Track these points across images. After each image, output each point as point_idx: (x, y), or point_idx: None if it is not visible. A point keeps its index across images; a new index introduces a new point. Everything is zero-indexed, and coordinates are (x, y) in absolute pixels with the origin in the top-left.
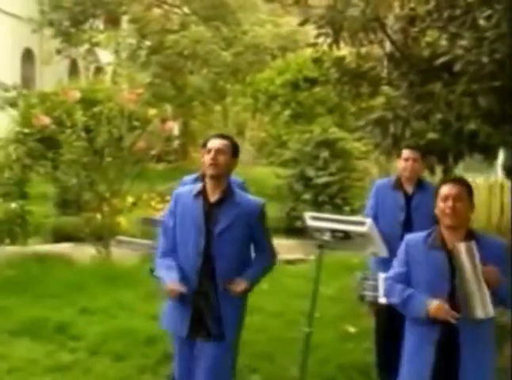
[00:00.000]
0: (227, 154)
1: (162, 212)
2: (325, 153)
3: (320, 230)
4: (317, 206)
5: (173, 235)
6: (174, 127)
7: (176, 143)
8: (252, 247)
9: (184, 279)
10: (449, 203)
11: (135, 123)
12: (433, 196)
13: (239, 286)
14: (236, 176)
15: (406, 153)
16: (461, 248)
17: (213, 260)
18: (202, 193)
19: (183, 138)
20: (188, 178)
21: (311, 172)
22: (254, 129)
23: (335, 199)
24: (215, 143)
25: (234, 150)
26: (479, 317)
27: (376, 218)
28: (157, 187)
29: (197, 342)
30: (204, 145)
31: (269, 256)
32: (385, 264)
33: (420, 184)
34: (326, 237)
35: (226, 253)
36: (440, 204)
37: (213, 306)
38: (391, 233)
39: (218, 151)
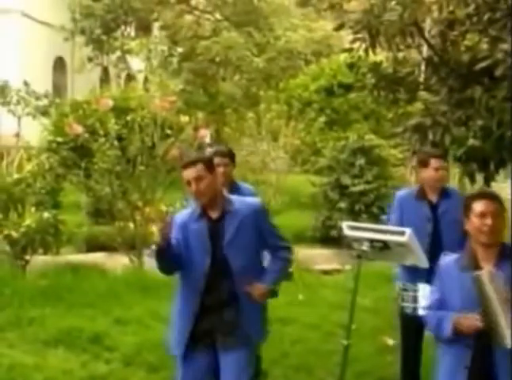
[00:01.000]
0: (207, 176)
1: None
2: (361, 161)
3: (358, 240)
4: (353, 215)
5: (179, 254)
6: (207, 135)
7: (209, 152)
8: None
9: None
10: (488, 220)
11: (168, 131)
12: (463, 208)
13: (259, 289)
14: (244, 183)
15: (436, 162)
16: (484, 278)
17: (225, 272)
18: (203, 213)
19: (216, 146)
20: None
21: (346, 180)
22: (288, 136)
23: (372, 207)
24: (189, 174)
25: (210, 165)
26: (508, 346)
27: None
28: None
29: (219, 354)
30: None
31: (284, 251)
32: (414, 274)
33: (444, 192)
34: (365, 247)
35: (238, 260)
36: (475, 221)
37: (232, 315)
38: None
39: (196, 180)
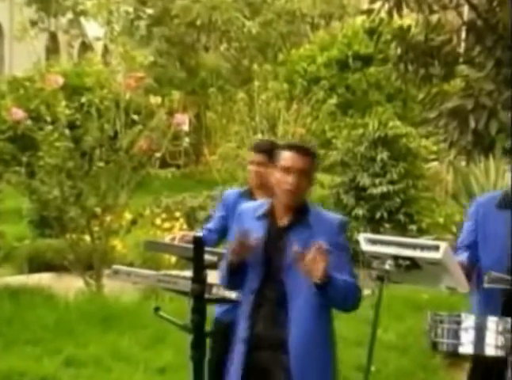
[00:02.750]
0: (309, 176)
1: (177, 233)
2: (383, 155)
3: (379, 257)
4: (373, 224)
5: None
6: (185, 122)
7: (186, 142)
8: None
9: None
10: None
11: (134, 117)
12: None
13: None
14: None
15: None
16: None
17: (281, 300)
18: (269, 214)
19: (196, 136)
20: (232, 193)
21: (365, 180)
22: (290, 123)
23: (397, 214)
24: (297, 160)
25: (315, 168)
26: None
27: (474, 248)
28: (163, 200)
29: None
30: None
31: (357, 288)
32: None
33: None
34: (388, 265)
35: (299, 290)
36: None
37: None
38: (496, 269)
39: (300, 172)
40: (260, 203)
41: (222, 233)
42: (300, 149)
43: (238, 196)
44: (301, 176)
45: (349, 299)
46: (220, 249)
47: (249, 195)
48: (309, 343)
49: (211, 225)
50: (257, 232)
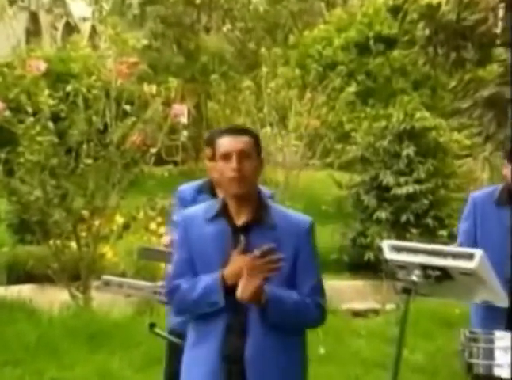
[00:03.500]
0: (253, 157)
1: (166, 238)
2: (409, 150)
3: (405, 267)
4: (398, 229)
5: (194, 271)
6: (183, 113)
7: (185, 136)
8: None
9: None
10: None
11: (127, 108)
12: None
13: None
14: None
15: None
16: None
17: (246, 312)
18: (223, 214)
19: (196, 129)
20: (188, 188)
21: (388, 179)
22: (303, 114)
23: (425, 218)
24: (234, 143)
25: (258, 147)
26: None
27: (474, 248)
28: (158, 201)
29: None
30: (210, 142)
31: (314, 307)
32: (488, 316)
33: None
34: (415, 276)
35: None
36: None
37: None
38: (496, 270)
39: (241, 155)
40: (209, 203)
41: None
42: (235, 130)
43: (196, 192)
44: (243, 158)
45: (302, 323)
46: None
47: (209, 189)
48: (267, 357)
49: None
50: (211, 238)
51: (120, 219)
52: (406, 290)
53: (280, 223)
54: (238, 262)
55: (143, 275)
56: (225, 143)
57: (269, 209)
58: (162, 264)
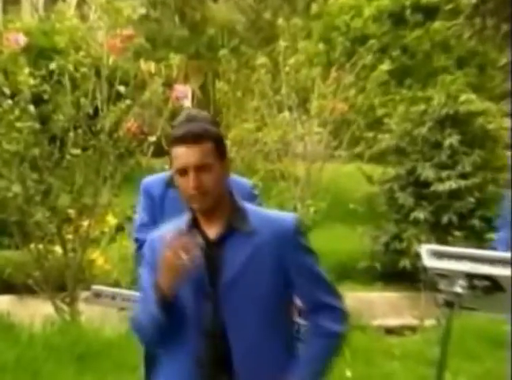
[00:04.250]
0: (214, 167)
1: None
2: (452, 139)
3: (448, 276)
4: (439, 231)
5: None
6: (187, 95)
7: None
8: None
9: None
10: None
11: (121, 89)
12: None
13: None
14: (242, 177)
15: None
16: None
17: (226, 339)
18: (193, 227)
19: None
20: (155, 181)
21: (427, 173)
22: (327, 97)
23: (471, 219)
24: (189, 156)
25: (221, 150)
26: None
27: None
28: None
29: None
30: (171, 142)
31: (332, 315)
32: None
33: None
34: (459, 287)
35: (242, 322)
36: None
37: None
38: None
39: (199, 169)
40: (178, 221)
41: None
42: (189, 138)
43: (165, 186)
44: (201, 172)
45: (335, 352)
46: None
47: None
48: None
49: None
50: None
51: (112, 220)
52: (449, 304)
53: (260, 227)
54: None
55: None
56: (179, 156)
57: (245, 213)
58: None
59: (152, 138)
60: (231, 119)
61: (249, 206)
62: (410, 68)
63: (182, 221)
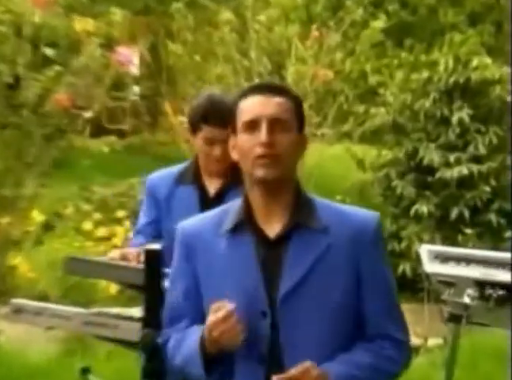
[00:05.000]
0: (292, 129)
1: (115, 253)
2: (463, 113)
3: (454, 283)
4: (446, 228)
5: (199, 303)
6: (132, 60)
7: (136, 94)
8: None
9: None
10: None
11: (49, 52)
12: None
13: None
14: None
15: None
16: None
17: (280, 350)
18: (247, 223)
19: (152, 83)
20: (162, 176)
21: (432, 156)
22: (307, 61)
23: (486, 212)
24: (260, 105)
25: (301, 117)
26: None
27: None
28: (96, 190)
29: None
30: (239, 96)
31: (392, 346)
32: None
33: None
34: (468, 297)
35: (300, 336)
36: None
37: None
38: None
39: (275, 123)
40: (223, 209)
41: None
42: (267, 87)
43: (174, 182)
44: (277, 128)
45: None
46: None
47: (193, 178)
48: None
49: (137, 244)
50: (230, 264)
51: (39, 216)
52: (455, 318)
53: (332, 224)
54: (220, 326)
55: (72, 299)
56: (249, 107)
57: (313, 206)
58: (101, 282)
59: (88, 114)
60: (188, 90)
61: (318, 198)
62: (410, 25)
63: (230, 211)
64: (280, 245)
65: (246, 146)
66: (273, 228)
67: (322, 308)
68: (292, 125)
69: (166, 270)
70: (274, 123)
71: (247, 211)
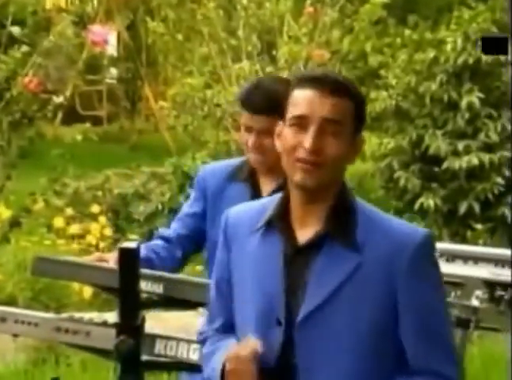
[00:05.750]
0: (345, 133)
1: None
2: (473, 97)
3: (461, 284)
4: (454, 224)
5: (228, 299)
6: (108, 39)
7: (113, 77)
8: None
9: None
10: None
11: (14, 30)
12: None
13: None
14: None
15: None
16: None
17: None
18: (279, 223)
19: (130, 65)
20: (213, 171)
21: (439, 144)
22: (301, 40)
23: (498, 207)
24: (314, 102)
25: (359, 120)
26: None
27: None
28: (68, 182)
29: None
30: (296, 83)
31: None
32: None
33: None
34: (476, 299)
35: (320, 366)
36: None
37: None
38: None
39: (326, 125)
40: (258, 205)
41: (193, 243)
42: (325, 79)
43: (226, 178)
44: (328, 131)
45: None
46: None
47: (247, 175)
48: None
49: (172, 229)
50: (259, 256)
51: (5, 212)
52: (463, 322)
53: (372, 238)
54: (236, 364)
55: (42, 303)
56: (303, 100)
57: (354, 214)
58: (73, 285)
59: (60, 99)
60: (171, 73)
61: (364, 205)
62: (415, 0)
63: (265, 207)
64: (308, 253)
65: (289, 142)
66: (305, 232)
67: (347, 335)
68: (346, 128)
69: (143, 271)
70: (325, 125)
71: (282, 210)
